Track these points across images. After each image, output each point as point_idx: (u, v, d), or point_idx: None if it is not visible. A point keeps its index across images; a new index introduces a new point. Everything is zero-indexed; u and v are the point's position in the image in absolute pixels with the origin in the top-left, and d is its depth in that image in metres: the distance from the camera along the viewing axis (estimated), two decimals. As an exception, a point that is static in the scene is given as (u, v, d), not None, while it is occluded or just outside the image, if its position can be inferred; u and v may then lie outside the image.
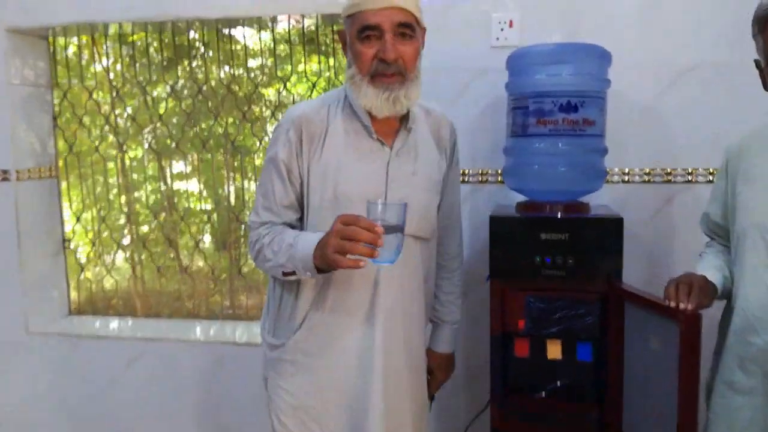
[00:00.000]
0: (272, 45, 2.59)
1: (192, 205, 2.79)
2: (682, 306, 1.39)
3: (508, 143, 1.91)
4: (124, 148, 2.78)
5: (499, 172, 2.17)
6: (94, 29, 2.59)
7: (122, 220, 2.83)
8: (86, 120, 2.77)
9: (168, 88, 2.69)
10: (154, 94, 2.72)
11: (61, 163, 2.80)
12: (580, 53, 1.77)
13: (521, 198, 1.99)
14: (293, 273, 1.38)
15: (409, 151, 1.49)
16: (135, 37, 2.66)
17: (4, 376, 2.69)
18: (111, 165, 2.80)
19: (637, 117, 2.06)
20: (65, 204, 2.83)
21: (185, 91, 2.68)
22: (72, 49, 2.72)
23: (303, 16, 2.45)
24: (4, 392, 2.70)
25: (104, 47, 2.70)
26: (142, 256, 2.83)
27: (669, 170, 2.07)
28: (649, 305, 1.52)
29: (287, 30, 2.57)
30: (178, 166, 2.78)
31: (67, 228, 2.85)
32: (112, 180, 2.82)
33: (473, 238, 2.22)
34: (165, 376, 2.57)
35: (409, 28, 1.36)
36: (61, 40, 2.72)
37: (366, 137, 1.45)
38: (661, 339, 1.51)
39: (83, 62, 2.73)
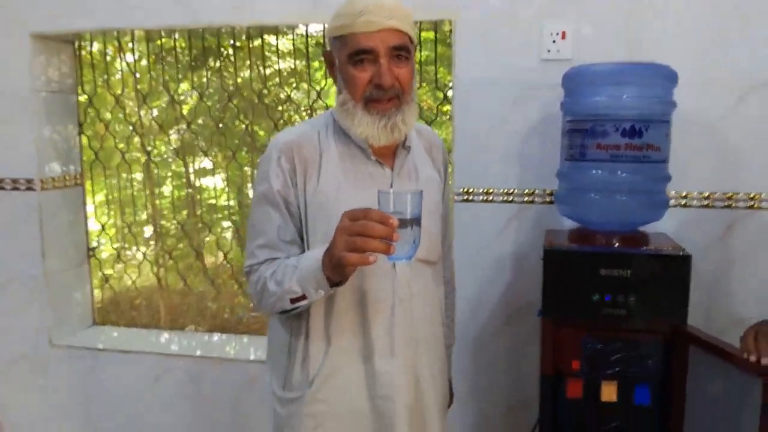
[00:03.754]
0: (301, 48, 2.49)
1: (216, 202, 2.76)
2: (765, 361, 1.26)
3: (562, 167, 1.79)
4: (150, 149, 2.72)
5: (547, 192, 2.05)
6: (122, 33, 2.50)
7: (146, 223, 2.78)
8: (112, 124, 2.70)
9: (195, 92, 2.62)
10: (182, 96, 2.65)
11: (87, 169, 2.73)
12: (646, 74, 1.64)
13: (570, 222, 1.88)
14: (303, 298, 1.22)
15: (409, 172, 1.39)
16: (163, 41, 2.57)
17: (27, 391, 2.63)
18: (136, 169, 2.74)
19: (697, 136, 1.92)
20: (91, 211, 2.77)
21: (211, 92, 2.61)
22: (97, 47, 2.63)
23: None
24: (28, 408, 2.65)
25: (130, 45, 2.62)
26: (167, 259, 2.77)
27: (730, 194, 1.94)
28: (722, 354, 1.40)
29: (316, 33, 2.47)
30: (203, 163, 2.74)
31: (92, 234, 2.78)
32: (137, 184, 2.76)
33: (518, 262, 2.11)
34: (193, 395, 2.49)
35: (405, 50, 1.25)
36: (86, 43, 2.63)
37: (364, 160, 1.34)
38: (735, 392, 1.39)
39: (109, 62, 2.65)
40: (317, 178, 1.31)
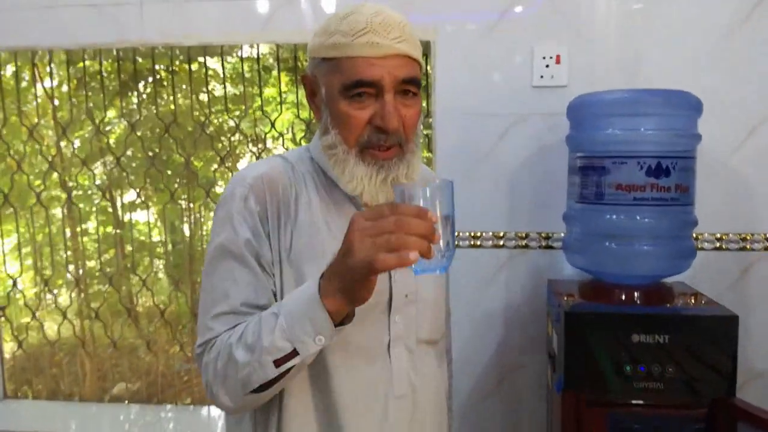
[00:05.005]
0: (243, 71, 2.19)
1: (147, 240, 2.39)
2: None
3: (572, 210, 1.55)
4: (71, 185, 2.32)
5: (542, 235, 1.81)
6: (36, 55, 2.12)
7: (66, 264, 2.37)
8: (27, 159, 2.30)
9: (124, 121, 2.26)
10: (108, 127, 2.28)
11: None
12: (669, 103, 1.42)
13: (571, 269, 1.65)
14: (292, 355, 0.87)
15: None
16: (87, 63, 2.20)
17: None
18: (54, 208, 2.34)
19: (708, 173, 1.71)
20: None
21: (143, 120, 2.26)
22: (10, 71, 2.23)
23: (278, 46, 2.08)
24: None
25: (48, 69, 2.24)
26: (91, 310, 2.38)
27: (745, 235, 1.75)
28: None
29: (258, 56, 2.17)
30: (131, 196, 2.36)
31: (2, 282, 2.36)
32: (56, 222, 2.36)
33: (511, 316, 1.85)
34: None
35: (415, 84, 0.96)
36: (-6, 67, 2.24)
37: (351, 208, 1.03)
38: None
39: (23, 89, 2.26)
40: (293, 228, 0.99)
